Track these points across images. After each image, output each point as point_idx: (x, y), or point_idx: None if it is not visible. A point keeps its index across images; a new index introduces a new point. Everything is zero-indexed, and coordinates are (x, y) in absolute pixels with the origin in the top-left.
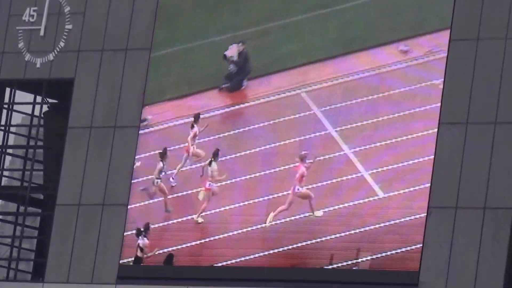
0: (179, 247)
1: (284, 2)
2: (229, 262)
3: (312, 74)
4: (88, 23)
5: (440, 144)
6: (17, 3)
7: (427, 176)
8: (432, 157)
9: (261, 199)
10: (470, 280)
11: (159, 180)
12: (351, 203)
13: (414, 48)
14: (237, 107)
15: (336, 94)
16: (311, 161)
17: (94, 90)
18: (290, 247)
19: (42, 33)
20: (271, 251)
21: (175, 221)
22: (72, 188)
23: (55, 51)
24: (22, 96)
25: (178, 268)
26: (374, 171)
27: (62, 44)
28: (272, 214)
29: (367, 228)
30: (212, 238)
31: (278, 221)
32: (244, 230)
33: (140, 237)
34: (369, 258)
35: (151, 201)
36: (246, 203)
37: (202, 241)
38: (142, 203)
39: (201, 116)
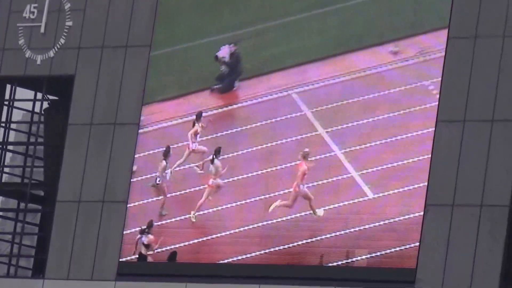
0: (177, 245)
1: (276, 4)
2: (228, 260)
3: (303, 75)
4: (88, 20)
5: (437, 142)
6: (18, 0)
7: (424, 174)
8: (429, 155)
9: (257, 198)
10: (467, 277)
11: (161, 179)
12: (350, 201)
13: (404, 49)
14: (229, 107)
15: (327, 95)
16: (314, 158)
17: (94, 87)
18: (290, 245)
19: (42, 30)
20: (271, 249)
21: (173, 219)
22: (72, 185)
23: (56, 48)
24: (22, 93)
25: (178, 265)
26: (370, 170)
27: (62, 41)
28: (275, 204)
29: (366, 227)
30: (210, 237)
31: (278, 219)
32: (241, 229)
33: (143, 235)
34: (368, 256)
35: (150, 200)
36: (243, 202)
37: (201, 239)
38: (142, 202)
39: (188, 118)
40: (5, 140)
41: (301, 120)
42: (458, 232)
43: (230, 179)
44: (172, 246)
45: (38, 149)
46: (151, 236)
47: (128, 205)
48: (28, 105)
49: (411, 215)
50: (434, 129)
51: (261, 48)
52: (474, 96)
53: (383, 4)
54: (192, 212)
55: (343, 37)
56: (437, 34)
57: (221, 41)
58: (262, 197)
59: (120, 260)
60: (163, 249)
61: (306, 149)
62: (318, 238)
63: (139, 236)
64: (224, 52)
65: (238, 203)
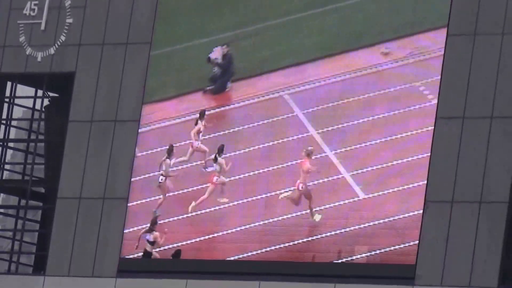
0: (179, 243)
1: (269, 5)
2: (229, 258)
3: (296, 76)
4: (88, 17)
5: (436, 139)
6: None
7: (424, 171)
8: (428, 152)
9: (258, 197)
10: (466, 273)
11: (164, 178)
12: (341, 202)
13: (395, 50)
14: (221, 109)
15: (320, 95)
16: (317, 156)
17: (94, 84)
18: (290, 243)
19: (43, 27)
20: (271, 247)
21: (175, 218)
22: (73, 182)
23: (56, 45)
24: (23, 90)
25: (179, 262)
26: (363, 170)
27: (63, 38)
28: (286, 194)
29: (366, 225)
30: (211, 236)
31: (279, 218)
32: (243, 227)
33: (148, 232)
34: (368, 254)
35: (153, 198)
36: (245, 200)
37: (202, 238)
38: (145, 200)
39: (186, 118)
40: (6, 137)
41: (293, 121)
42: (458, 229)
43: (227, 179)
44: (175, 245)
45: (39, 146)
46: (156, 233)
47: (131, 203)
48: (29, 102)
49: (411, 213)
50: (427, 128)
51: (254, 49)
52: (473, 93)
53: (382, 3)
54: (194, 202)
55: (337, 37)
56: (434, 34)
57: (205, 45)
58: (264, 195)
59: (121, 257)
60: (166, 247)
61: (310, 147)
62: (319, 236)
63: (142, 233)
64: (217, 53)
65: (240, 201)
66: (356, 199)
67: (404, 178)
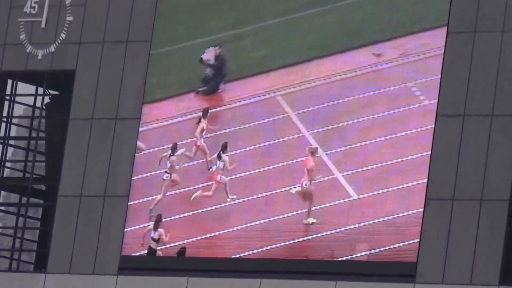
0: (180, 242)
1: (261, 6)
2: (230, 256)
3: (288, 77)
4: (89, 15)
5: (437, 136)
6: None
7: (424, 169)
8: (429, 151)
9: (259, 195)
10: (467, 271)
11: (169, 175)
12: (351, 199)
13: (387, 51)
14: (213, 110)
15: (311, 97)
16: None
17: (95, 82)
18: (291, 242)
19: (43, 25)
20: (272, 245)
21: (177, 216)
22: (73, 179)
23: (56, 43)
24: (23, 87)
25: (180, 259)
26: (354, 171)
27: (63, 36)
28: (296, 189)
29: (367, 223)
30: (212, 234)
31: (280, 216)
32: (244, 226)
33: (151, 230)
34: (369, 252)
35: (154, 197)
36: (246, 198)
37: (204, 236)
38: (148, 198)
39: (180, 119)
40: (7, 134)
41: (285, 122)
42: (459, 226)
43: (228, 178)
44: (176, 243)
45: (40, 144)
46: (161, 230)
47: (132, 202)
48: (30, 100)
49: (412, 211)
50: (427, 127)
51: (247, 49)
52: (473, 91)
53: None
54: (200, 192)
55: (332, 37)
56: (429, 35)
57: (197, 46)
58: (264, 194)
59: (122, 254)
60: (169, 245)
61: (314, 146)
62: (319, 234)
63: (147, 231)
64: (209, 54)
65: (241, 200)
66: (357, 197)
67: (405, 176)
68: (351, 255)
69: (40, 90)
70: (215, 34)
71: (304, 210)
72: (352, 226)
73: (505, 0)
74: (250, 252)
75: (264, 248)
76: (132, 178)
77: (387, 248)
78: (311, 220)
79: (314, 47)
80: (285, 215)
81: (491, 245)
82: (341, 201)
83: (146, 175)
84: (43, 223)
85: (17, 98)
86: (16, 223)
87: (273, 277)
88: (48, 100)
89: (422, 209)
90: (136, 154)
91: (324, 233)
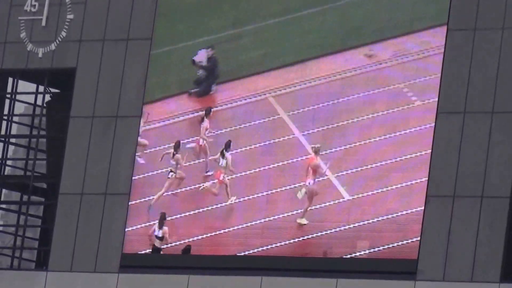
0: (182, 241)
1: (261, 5)
2: (231, 253)
3: (280, 78)
4: (89, 13)
5: (438, 134)
6: None
7: (425, 166)
8: (430, 149)
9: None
10: (467, 268)
11: (174, 174)
12: (350, 198)
13: (379, 52)
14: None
15: (303, 98)
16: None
17: (96, 80)
18: (291, 241)
19: (43, 23)
20: (274, 243)
21: (180, 215)
22: (74, 177)
23: (57, 41)
24: (24, 85)
25: (181, 257)
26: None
27: (63, 33)
28: (304, 190)
29: (367, 222)
30: (214, 233)
31: (280, 215)
32: (245, 224)
33: (155, 228)
34: (370, 250)
35: (155, 196)
36: (247, 198)
37: (205, 235)
38: (147, 198)
39: (181, 118)
40: (8, 133)
41: (277, 123)
42: (459, 224)
43: (228, 177)
44: (179, 242)
45: (41, 142)
46: (166, 228)
47: (136, 201)
48: (30, 98)
49: (413, 209)
50: (426, 125)
51: (238, 51)
52: (474, 88)
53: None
54: (209, 184)
55: (330, 37)
56: (435, 33)
57: (189, 47)
58: (265, 193)
59: (123, 252)
60: (172, 244)
61: (318, 144)
62: (320, 232)
63: (153, 229)
64: (201, 56)
65: (242, 199)
66: (341, 200)
67: (405, 174)
68: (352, 253)
69: (41, 88)
70: (215, 34)
71: (309, 208)
72: (352, 225)
73: None
74: (252, 250)
75: (266, 247)
76: (134, 177)
77: (388, 246)
78: (304, 221)
79: (314, 46)
80: (286, 214)
81: (491, 243)
82: (341, 200)
83: (147, 174)
84: (44, 221)
85: (18, 96)
86: (18, 221)
87: (274, 275)
88: (49, 98)
89: (423, 207)
90: (139, 153)
91: (324, 232)
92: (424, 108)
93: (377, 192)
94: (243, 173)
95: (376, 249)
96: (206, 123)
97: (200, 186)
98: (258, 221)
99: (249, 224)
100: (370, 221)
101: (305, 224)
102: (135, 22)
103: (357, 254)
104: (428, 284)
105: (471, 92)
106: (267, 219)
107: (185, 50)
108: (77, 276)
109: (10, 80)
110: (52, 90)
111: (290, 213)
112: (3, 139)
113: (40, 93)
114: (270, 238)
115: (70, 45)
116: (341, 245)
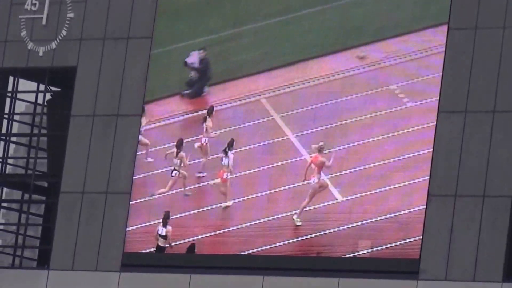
0: (182, 240)
1: (261, 5)
2: (233, 253)
3: (273, 80)
4: (89, 12)
5: (439, 133)
6: None
7: (427, 166)
8: (431, 148)
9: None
10: (470, 267)
11: (177, 172)
12: (352, 197)
13: (370, 54)
14: (198, 113)
15: (296, 99)
16: (330, 151)
17: (96, 79)
18: (294, 239)
19: (44, 21)
20: (275, 243)
21: (182, 214)
22: (75, 176)
23: (57, 39)
24: (25, 84)
25: (182, 256)
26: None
27: (64, 32)
28: (296, 217)
29: (369, 221)
30: (215, 232)
31: (283, 214)
32: (247, 224)
33: (159, 227)
34: (373, 249)
35: (156, 196)
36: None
37: (206, 235)
38: (148, 198)
39: (190, 115)
40: (9, 131)
41: (270, 125)
42: (461, 223)
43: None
44: (181, 241)
45: (42, 140)
46: (169, 227)
47: (135, 201)
48: (31, 97)
49: (415, 208)
50: (428, 124)
51: (229, 54)
52: (475, 87)
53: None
54: (216, 180)
55: (331, 36)
56: (435, 32)
57: (181, 49)
58: (267, 192)
59: (125, 251)
60: (175, 243)
61: (321, 143)
62: (322, 232)
63: (157, 228)
64: (194, 58)
65: (242, 198)
66: (360, 195)
67: (407, 173)
68: (354, 252)
69: (42, 87)
70: (215, 33)
71: (310, 207)
72: (356, 224)
73: None
74: (253, 251)
75: (267, 246)
76: (135, 176)
77: (390, 245)
78: (298, 221)
79: (314, 45)
80: (288, 213)
81: (494, 241)
82: (344, 199)
83: (147, 174)
84: (45, 219)
85: (19, 95)
86: (19, 219)
87: (276, 274)
88: (50, 97)
89: (425, 206)
90: (143, 152)
91: (327, 231)
92: (425, 108)
93: (379, 191)
94: (243, 173)
95: (379, 248)
96: (209, 122)
97: (212, 182)
98: (259, 221)
99: (249, 223)
100: (372, 220)
101: (299, 225)
102: (135, 21)
103: (359, 253)
104: (430, 283)
105: (472, 91)
106: (268, 218)
107: (185, 50)
108: (79, 274)
109: (11, 78)
110: (53, 88)
111: (291, 213)
112: (4, 137)
113: (41, 91)
114: (272, 237)
115: (71, 44)
116: (343, 245)
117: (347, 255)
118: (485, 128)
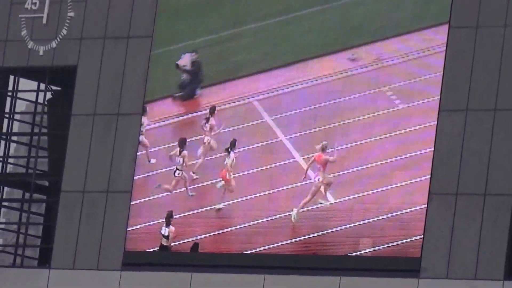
0: (184, 240)
1: (262, 5)
2: (234, 251)
3: (265, 82)
4: (90, 11)
5: (440, 131)
6: None
7: (428, 164)
8: (432, 147)
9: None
10: (471, 265)
11: (181, 172)
12: (355, 196)
13: (361, 56)
14: (190, 115)
15: (288, 101)
16: (333, 149)
17: (97, 77)
18: (296, 239)
19: (44, 21)
20: (277, 242)
21: (184, 214)
22: (76, 175)
23: (58, 38)
24: (25, 83)
25: (183, 255)
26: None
27: (64, 31)
28: (295, 210)
29: (371, 220)
30: (217, 232)
31: (284, 213)
32: (248, 223)
33: (162, 227)
34: (375, 248)
35: (156, 196)
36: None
37: (208, 234)
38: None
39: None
40: (9, 131)
41: (262, 127)
42: (462, 221)
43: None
44: (182, 241)
45: (42, 140)
46: (172, 227)
47: (135, 201)
48: (32, 96)
49: (416, 207)
50: (430, 122)
51: (221, 56)
52: (476, 85)
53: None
54: (222, 182)
55: (331, 36)
56: (435, 32)
57: (175, 51)
58: (266, 192)
59: (126, 250)
60: (176, 243)
61: (325, 142)
62: (324, 231)
63: (160, 227)
64: (185, 60)
65: (244, 198)
66: (360, 194)
67: (408, 171)
68: (355, 251)
69: (42, 86)
70: (215, 33)
71: (312, 206)
72: (356, 223)
73: None
74: (255, 250)
75: (269, 245)
76: (135, 177)
77: (391, 244)
78: (294, 215)
79: (314, 45)
80: (289, 212)
81: (495, 240)
82: (346, 198)
83: (147, 174)
84: (46, 218)
85: (19, 94)
86: (20, 218)
87: (277, 273)
88: (50, 96)
89: (426, 205)
90: (143, 152)
91: (328, 230)
92: (426, 107)
93: (380, 190)
94: (246, 172)
95: (380, 247)
96: (212, 121)
97: (218, 185)
98: (261, 220)
99: (251, 223)
100: (374, 219)
101: (294, 222)
102: (135, 20)
103: (360, 252)
104: (431, 282)
105: (473, 90)
106: (269, 218)
107: (185, 49)
108: (80, 273)
109: (11, 78)
110: (53, 88)
111: (292, 212)
112: (4, 137)
113: (42, 91)
114: (273, 236)
115: (71, 43)
116: (344, 243)
117: (348, 254)
118: (486, 126)
